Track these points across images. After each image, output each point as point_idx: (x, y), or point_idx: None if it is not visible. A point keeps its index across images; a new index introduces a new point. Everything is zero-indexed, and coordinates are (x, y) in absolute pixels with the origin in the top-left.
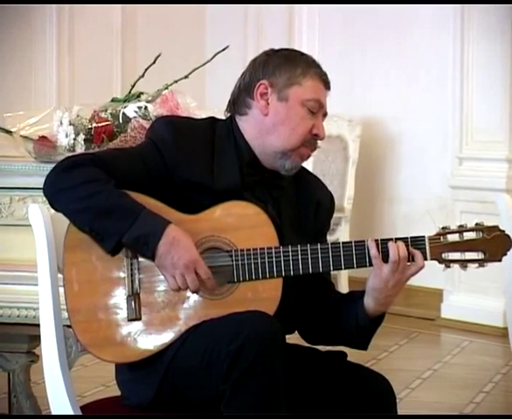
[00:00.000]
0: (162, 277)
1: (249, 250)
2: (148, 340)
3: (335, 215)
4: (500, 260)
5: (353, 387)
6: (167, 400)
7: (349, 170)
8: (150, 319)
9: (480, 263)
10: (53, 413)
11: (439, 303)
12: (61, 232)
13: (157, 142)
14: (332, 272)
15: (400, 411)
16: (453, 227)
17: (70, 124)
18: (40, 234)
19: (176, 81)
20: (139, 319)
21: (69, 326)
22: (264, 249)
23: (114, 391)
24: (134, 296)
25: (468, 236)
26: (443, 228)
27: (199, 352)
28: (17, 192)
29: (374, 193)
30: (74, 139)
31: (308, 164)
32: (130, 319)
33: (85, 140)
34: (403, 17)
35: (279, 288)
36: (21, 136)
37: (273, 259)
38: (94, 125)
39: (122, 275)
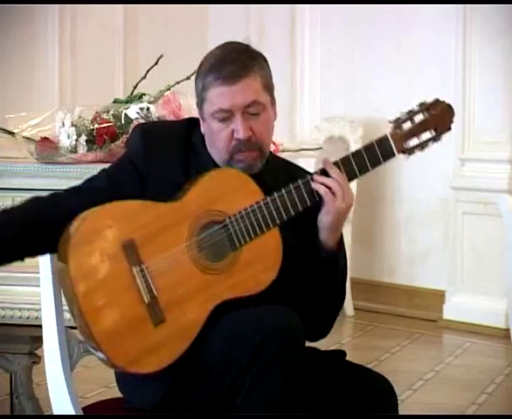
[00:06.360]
0: (171, 272)
1: (240, 212)
2: (179, 335)
3: None
4: (449, 129)
5: (354, 388)
6: (172, 401)
7: None
8: (174, 316)
9: (435, 138)
10: (55, 414)
11: (442, 304)
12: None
13: (130, 155)
14: None
15: (402, 412)
16: (403, 116)
17: (72, 125)
18: None
19: (178, 82)
20: (164, 320)
21: (71, 327)
22: (253, 205)
23: (117, 392)
24: (153, 300)
25: (419, 118)
26: (395, 120)
27: (218, 347)
28: (19, 193)
29: (376, 194)
30: (76, 140)
31: (310, 165)
32: (157, 324)
33: (87, 141)
34: (405, 18)
35: (277, 236)
36: (23, 137)
37: (265, 211)
38: (96, 126)
39: (135, 284)
